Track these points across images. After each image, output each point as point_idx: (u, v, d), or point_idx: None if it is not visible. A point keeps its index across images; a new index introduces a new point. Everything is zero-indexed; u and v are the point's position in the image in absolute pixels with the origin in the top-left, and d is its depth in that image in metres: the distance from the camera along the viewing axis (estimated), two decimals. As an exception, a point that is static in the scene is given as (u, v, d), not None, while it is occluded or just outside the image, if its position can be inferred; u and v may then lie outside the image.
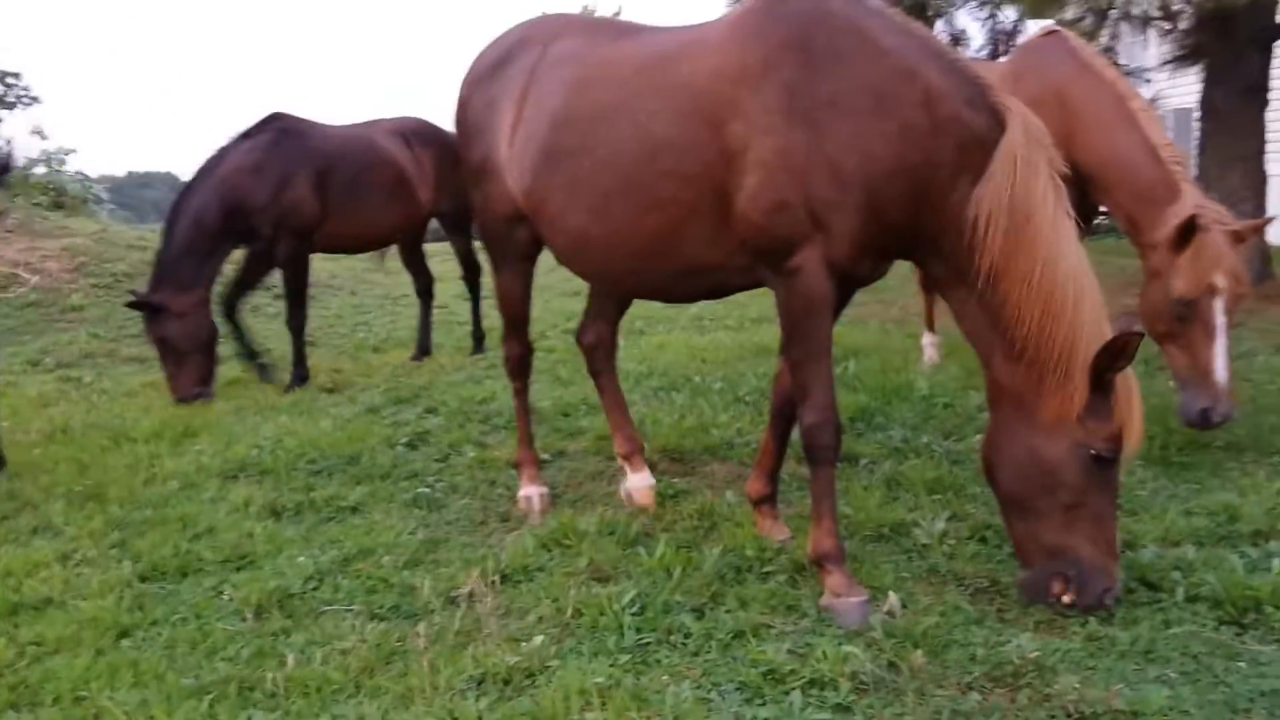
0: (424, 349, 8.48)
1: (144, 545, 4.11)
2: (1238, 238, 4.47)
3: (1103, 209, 5.41)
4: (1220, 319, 4.44)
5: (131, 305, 7.37)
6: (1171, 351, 4.61)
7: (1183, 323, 4.49)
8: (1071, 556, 3.15)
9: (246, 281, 7.79)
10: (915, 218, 3.23)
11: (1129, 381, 3.13)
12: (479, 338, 8.56)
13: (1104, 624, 3.13)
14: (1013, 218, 3.08)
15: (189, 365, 7.05)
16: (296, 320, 7.56)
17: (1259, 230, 4.60)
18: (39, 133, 18.33)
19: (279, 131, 7.51)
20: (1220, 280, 4.39)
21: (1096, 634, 3.05)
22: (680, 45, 3.68)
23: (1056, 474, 3.13)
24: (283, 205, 7.29)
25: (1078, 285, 3.09)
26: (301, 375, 7.47)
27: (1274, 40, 9.95)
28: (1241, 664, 2.85)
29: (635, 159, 3.58)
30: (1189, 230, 4.36)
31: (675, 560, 3.63)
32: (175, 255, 7.13)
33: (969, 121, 3.15)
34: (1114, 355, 3.02)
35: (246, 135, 7.50)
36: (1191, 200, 4.50)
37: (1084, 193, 4.91)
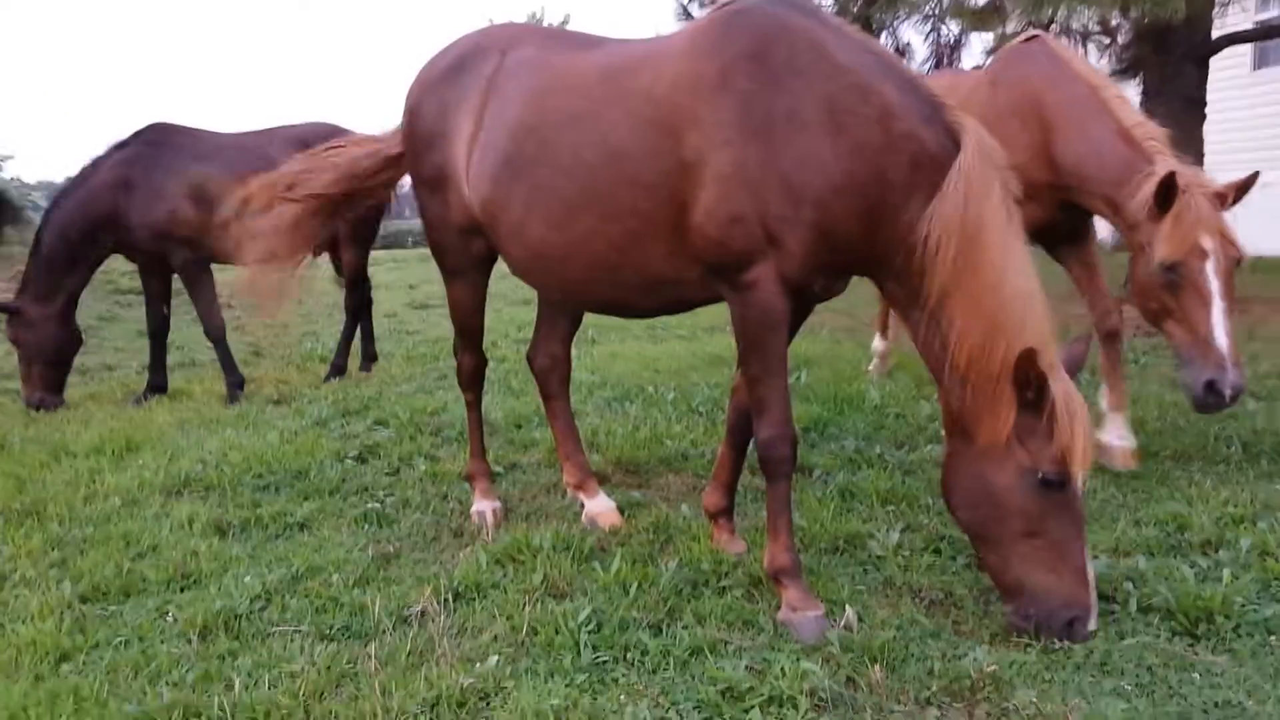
0: (369, 356, 8.35)
1: (85, 565, 3.99)
2: (1221, 200, 4.23)
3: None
4: (1214, 283, 4.16)
5: None
6: (1168, 329, 4.35)
7: (1174, 292, 4.23)
8: (1034, 589, 3.09)
9: (154, 296, 7.63)
10: (869, 235, 3.21)
11: (1070, 401, 3.03)
12: (338, 367, 8.13)
13: (1058, 635, 3.15)
14: (963, 237, 3.03)
15: (36, 373, 7.17)
16: (212, 329, 7.43)
17: (1244, 191, 4.26)
18: (-29, 139, 18.02)
19: (148, 144, 7.33)
20: (1209, 242, 4.15)
21: (1052, 646, 3.06)
22: (642, 55, 3.65)
23: (1006, 501, 3.08)
24: (157, 219, 7.13)
25: (1024, 307, 3.04)
26: (236, 381, 7.37)
27: (1210, 54, 10.19)
28: (1195, 675, 2.87)
29: (596, 167, 3.54)
30: (1168, 191, 4.14)
31: (631, 575, 3.59)
32: (38, 265, 7.15)
33: (924, 139, 3.13)
34: (1022, 372, 2.97)
35: (120, 146, 7.36)
36: (1167, 166, 4.26)
37: (1071, 204, 4.82)
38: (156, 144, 7.34)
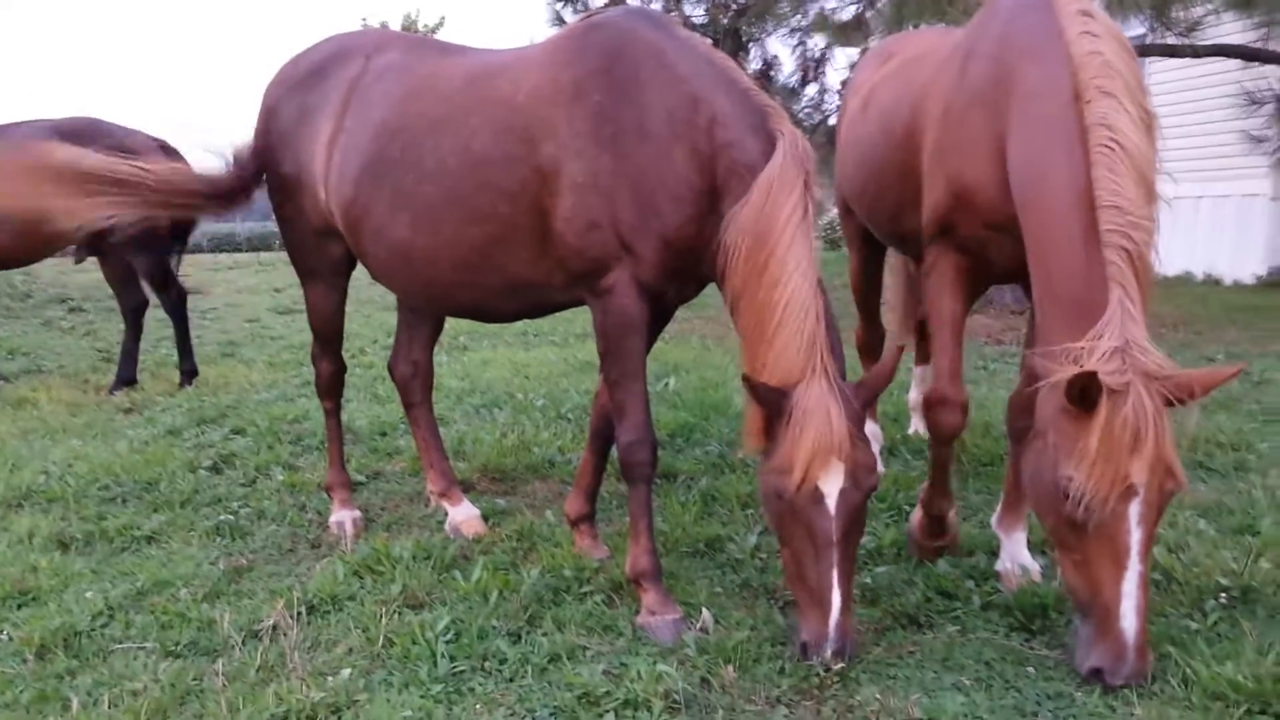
0: (187, 372, 7.83)
1: (-87, 583, 3.77)
2: None
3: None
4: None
5: None
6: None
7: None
8: (796, 603, 3.10)
9: None
10: (705, 242, 3.25)
11: (808, 414, 2.91)
12: (188, 372, 7.84)
13: (906, 633, 3.27)
14: (755, 241, 3.07)
15: None
16: None
17: None
18: None
19: None
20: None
21: (897, 643, 3.17)
22: (504, 63, 3.70)
23: (765, 505, 3.15)
24: None
25: (786, 313, 3.00)
26: None
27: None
28: (1030, 669, 3.00)
29: (459, 171, 3.56)
30: None
31: (492, 583, 3.58)
32: None
33: (747, 148, 3.18)
34: (754, 391, 3.01)
35: None
36: None
37: None
38: None
